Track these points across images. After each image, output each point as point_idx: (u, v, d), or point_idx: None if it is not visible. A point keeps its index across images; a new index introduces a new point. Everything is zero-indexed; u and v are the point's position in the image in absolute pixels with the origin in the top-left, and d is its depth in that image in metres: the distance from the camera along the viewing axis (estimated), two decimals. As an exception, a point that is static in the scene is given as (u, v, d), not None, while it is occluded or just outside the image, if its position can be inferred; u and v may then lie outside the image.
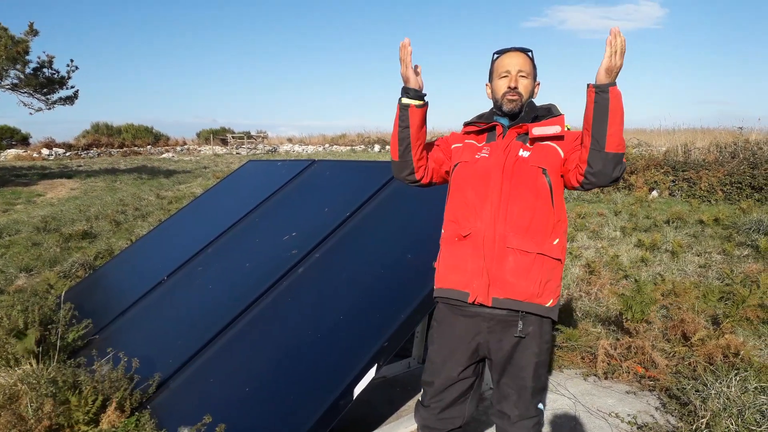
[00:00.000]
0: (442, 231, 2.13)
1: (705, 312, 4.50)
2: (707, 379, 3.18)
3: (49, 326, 3.28)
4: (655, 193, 11.15)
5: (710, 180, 10.53)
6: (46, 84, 17.93)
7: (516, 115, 2.03)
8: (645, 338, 3.86)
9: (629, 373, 3.58)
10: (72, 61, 18.61)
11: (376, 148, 28.56)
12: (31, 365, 2.97)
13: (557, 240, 1.96)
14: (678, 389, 3.24)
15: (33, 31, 16.46)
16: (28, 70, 17.09)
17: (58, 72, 18.35)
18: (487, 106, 2.18)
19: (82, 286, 4.53)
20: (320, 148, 31.11)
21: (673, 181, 11.24)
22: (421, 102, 2.01)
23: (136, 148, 31.84)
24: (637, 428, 2.99)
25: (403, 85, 2.01)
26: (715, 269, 5.87)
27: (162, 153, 31.18)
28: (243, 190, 4.85)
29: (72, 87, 19.00)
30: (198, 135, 37.09)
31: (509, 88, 2.01)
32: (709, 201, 10.23)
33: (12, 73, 16.78)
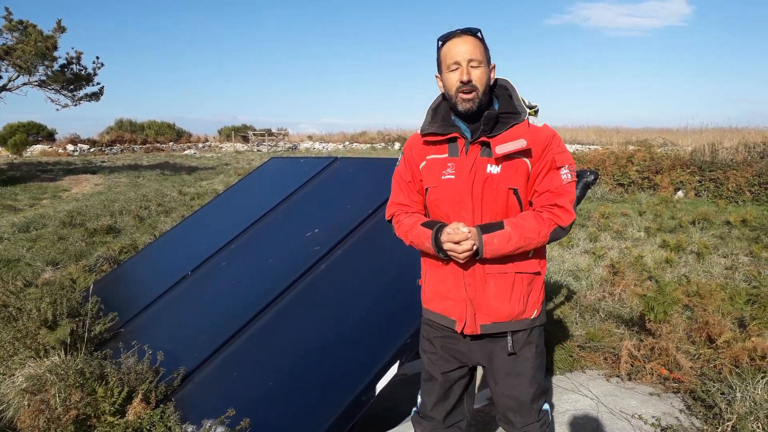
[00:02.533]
0: None
1: (731, 314, 4.42)
2: (733, 382, 3.12)
3: (76, 319, 3.34)
4: (680, 194, 10.98)
5: (738, 180, 10.35)
6: (73, 80, 18.32)
7: (475, 115, 1.85)
8: (669, 340, 3.80)
9: (653, 374, 3.53)
10: (98, 57, 19.03)
11: (396, 145, 28.57)
12: (60, 356, 3.03)
13: (531, 252, 1.91)
14: (703, 391, 3.19)
15: (61, 28, 16.82)
16: (56, 66, 17.46)
17: (85, 68, 18.72)
18: None
19: (108, 280, 4.61)
20: (340, 146, 31.22)
21: (699, 181, 11.06)
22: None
23: (158, 145, 32.30)
24: (661, 430, 2.95)
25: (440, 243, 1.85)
26: (742, 271, 5.76)
27: (184, 150, 31.58)
28: (266, 187, 4.89)
29: (98, 83, 19.40)
30: (219, 132, 37.47)
31: (461, 82, 1.80)
32: (737, 202, 10.05)
33: (40, 69, 17.16)
